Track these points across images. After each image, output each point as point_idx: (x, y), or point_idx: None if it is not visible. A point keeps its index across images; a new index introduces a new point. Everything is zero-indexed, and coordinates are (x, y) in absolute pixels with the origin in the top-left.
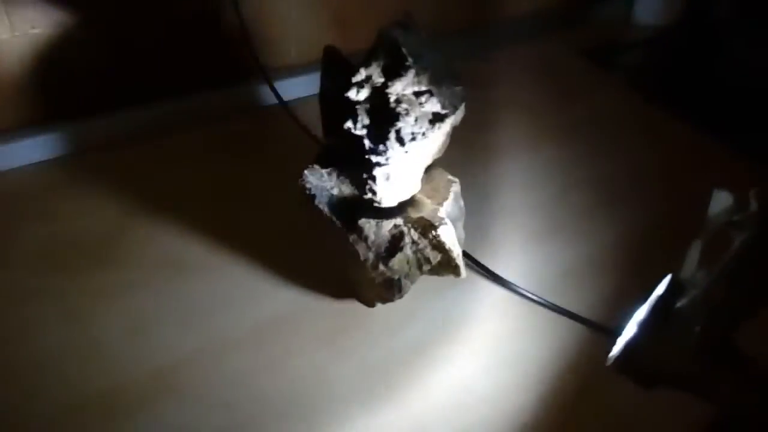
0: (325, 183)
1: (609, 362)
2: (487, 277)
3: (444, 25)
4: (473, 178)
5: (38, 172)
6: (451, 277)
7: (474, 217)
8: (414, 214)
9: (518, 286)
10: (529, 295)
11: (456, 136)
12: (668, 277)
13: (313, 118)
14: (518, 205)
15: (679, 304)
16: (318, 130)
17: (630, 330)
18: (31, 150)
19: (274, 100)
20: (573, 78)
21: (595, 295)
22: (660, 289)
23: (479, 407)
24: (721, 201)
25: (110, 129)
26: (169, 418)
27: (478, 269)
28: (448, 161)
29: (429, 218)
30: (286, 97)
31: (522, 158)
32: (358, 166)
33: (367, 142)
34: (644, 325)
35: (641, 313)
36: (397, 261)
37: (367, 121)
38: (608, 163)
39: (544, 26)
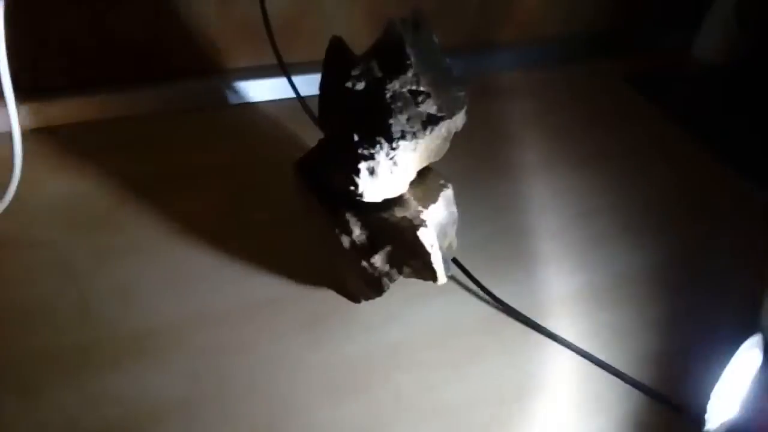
0: (318, 174)
1: None
2: (478, 291)
3: (485, 37)
4: (488, 192)
5: (75, 133)
6: (441, 286)
7: (480, 231)
8: (399, 213)
9: (508, 304)
10: (518, 315)
11: (476, 148)
12: (757, 339)
13: None
14: (529, 225)
15: None
16: None
17: (729, 409)
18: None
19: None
20: (612, 104)
21: (588, 325)
22: (752, 354)
23: (446, 415)
24: None
25: (145, 99)
26: (136, 379)
27: (469, 281)
28: (463, 171)
29: (411, 218)
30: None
31: (543, 179)
32: (347, 158)
33: (355, 135)
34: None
35: (736, 387)
36: (378, 258)
37: (359, 114)
38: (631, 194)
39: (590, 49)
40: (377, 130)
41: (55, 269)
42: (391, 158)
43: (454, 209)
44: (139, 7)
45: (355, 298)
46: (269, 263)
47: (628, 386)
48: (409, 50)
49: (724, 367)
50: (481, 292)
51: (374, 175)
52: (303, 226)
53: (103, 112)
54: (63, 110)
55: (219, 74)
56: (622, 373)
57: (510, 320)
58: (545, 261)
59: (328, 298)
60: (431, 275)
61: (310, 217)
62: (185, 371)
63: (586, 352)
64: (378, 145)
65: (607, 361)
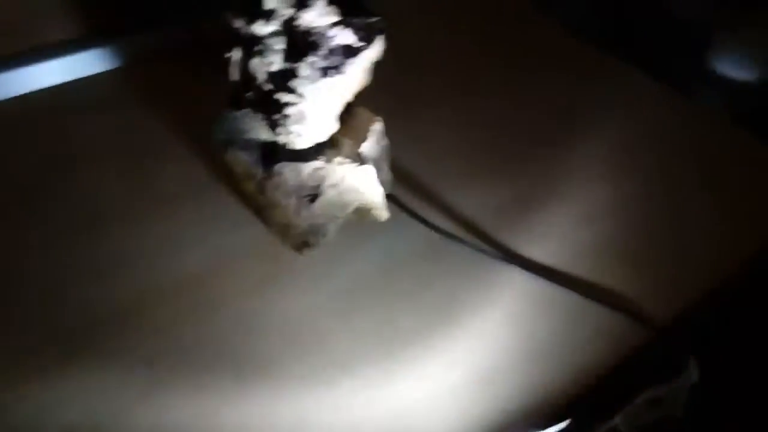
0: (239, 127)
1: None
2: (416, 221)
3: None
4: (404, 121)
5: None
6: (379, 222)
7: (405, 161)
8: (333, 155)
9: (447, 231)
10: (459, 239)
11: (384, 79)
12: None
13: None
14: (449, 148)
15: None
16: None
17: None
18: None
19: None
20: (505, 21)
21: (522, 233)
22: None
23: (406, 349)
24: None
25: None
26: (91, 373)
27: (406, 213)
28: (382, 102)
29: (348, 159)
30: None
31: (453, 102)
32: (270, 106)
33: (275, 81)
34: None
35: None
36: (318, 205)
37: (275, 58)
38: (539, 104)
39: None
40: (298, 72)
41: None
42: (315, 99)
43: (386, 142)
44: None
45: (299, 249)
46: (205, 227)
47: (589, 302)
48: None
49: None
50: (418, 222)
51: (303, 120)
52: (232, 186)
53: None
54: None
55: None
56: (582, 288)
57: (453, 245)
58: (472, 179)
59: (271, 255)
60: (376, 213)
61: (238, 174)
62: (139, 356)
63: (532, 266)
64: (302, 88)
65: (558, 275)
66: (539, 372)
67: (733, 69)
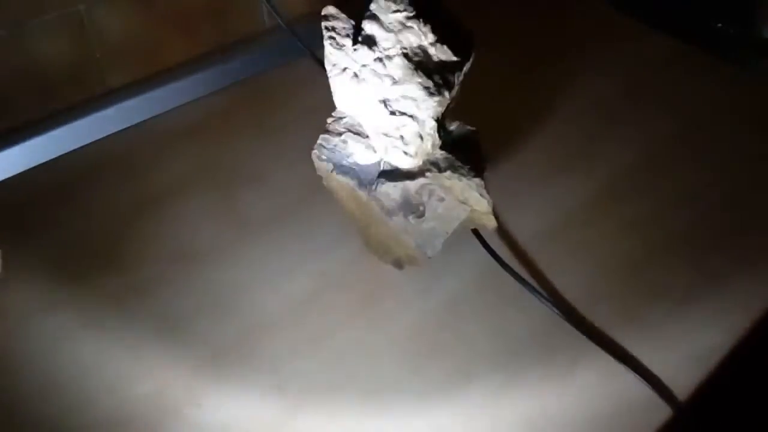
0: (341, 152)
1: None
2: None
3: None
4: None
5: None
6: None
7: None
8: (438, 170)
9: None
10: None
11: None
12: None
13: None
14: (520, 145)
15: None
16: None
17: None
18: None
19: None
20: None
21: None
22: None
23: (519, 351)
24: None
25: None
26: (215, 412)
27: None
28: None
29: (454, 173)
30: None
31: (512, 93)
32: (381, 130)
33: (385, 105)
34: None
35: None
36: (427, 220)
37: (382, 82)
38: (601, 87)
39: None
40: (405, 93)
41: None
42: (425, 118)
43: (482, 152)
44: None
45: (400, 265)
46: (304, 254)
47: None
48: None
49: None
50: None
51: (413, 141)
52: (329, 208)
53: None
54: None
55: None
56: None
57: (549, 245)
58: (552, 174)
59: (372, 274)
60: (486, 221)
61: (339, 199)
62: (267, 384)
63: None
64: (411, 109)
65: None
66: None
67: None
